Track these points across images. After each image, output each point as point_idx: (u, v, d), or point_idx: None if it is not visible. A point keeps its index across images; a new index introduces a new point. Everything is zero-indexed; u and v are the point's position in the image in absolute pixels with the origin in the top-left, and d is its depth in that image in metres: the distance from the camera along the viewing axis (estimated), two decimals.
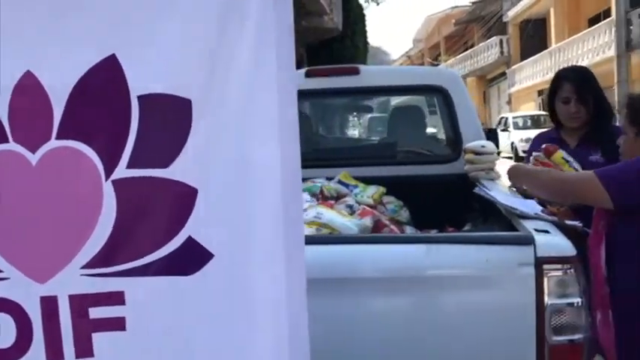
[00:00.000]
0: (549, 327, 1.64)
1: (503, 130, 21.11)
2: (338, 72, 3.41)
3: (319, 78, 3.38)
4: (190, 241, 0.95)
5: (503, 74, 28.08)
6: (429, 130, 4.27)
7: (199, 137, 0.93)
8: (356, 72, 3.34)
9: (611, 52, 16.61)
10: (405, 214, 3.20)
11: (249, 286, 0.93)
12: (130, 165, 0.98)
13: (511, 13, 26.84)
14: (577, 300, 1.64)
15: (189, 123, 0.94)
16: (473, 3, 30.29)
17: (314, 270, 1.70)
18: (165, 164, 0.96)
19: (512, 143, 19.83)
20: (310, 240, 1.94)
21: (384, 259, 1.72)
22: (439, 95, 3.39)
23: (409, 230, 3.04)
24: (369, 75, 3.36)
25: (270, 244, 0.94)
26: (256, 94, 0.92)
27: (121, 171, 0.98)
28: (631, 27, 16.29)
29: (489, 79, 31.22)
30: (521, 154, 18.44)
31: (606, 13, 18.41)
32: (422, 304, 1.73)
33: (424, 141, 3.82)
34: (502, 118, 22.71)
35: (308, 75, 3.36)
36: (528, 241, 1.65)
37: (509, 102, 28.06)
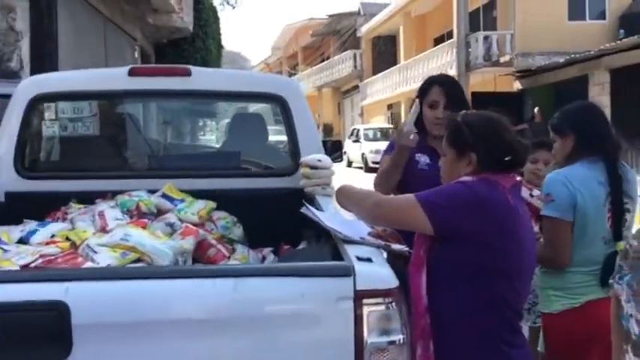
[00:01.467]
0: None
1: (354, 142, 21.84)
2: (166, 72, 3.08)
3: (145, 77, 3.03)
4: None
5: (357, 87, 29.11)
6: (271, 140, 4.07)
7: None
8: (187, 73, 3.03)
9: (453, 71, 17.79)
10: (237, 231, 2.96)
11: None
12: None
13: (364, 29, 27.94)
14: (399, 337, 1.50)
15: None
16: (329, 16, 31.08)
17: (86, 313, 1.40)
18: None
19: (362, 154, 20.53)
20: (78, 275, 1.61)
21: (183, 297, 1.45)
22: (277, 104, 3.19)
23: (240, 249, 2.80)
24: (201, 78, 3.06)
25: None
26: None
27: None
28: (470, 49, 17.62)
29: (344, 91, 32.22)
30: (370, 164, 19.16)
31: (450, 35, 19.74)
32: (230, 345, 1.48)
33: (263, 152, 3.60)
34: (354, 129, 23.49)
35: (132, 73, 2.99)
36: (347, 272, 1.47)
37: (361, 114, 29.13)
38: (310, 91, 33.09)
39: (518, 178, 1.89)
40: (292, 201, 2.99)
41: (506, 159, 1.82)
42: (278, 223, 2.95)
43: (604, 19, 17.97)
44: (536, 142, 3.00)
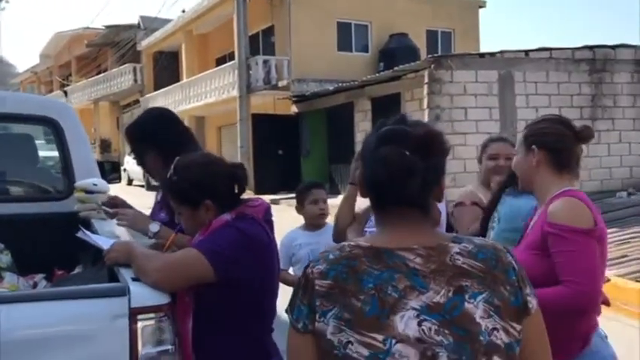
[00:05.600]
0: None
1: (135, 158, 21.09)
2: None
3: None
4: None
5: (138, 102, 28.23)
6: (43, 163, 3.92)
7: None
8: None
9: (235, 92, 18.35)
10: (5, 259, 2.87)
11: None
12: None
13: (145, 43, 27.28)
14: (169, 347, 1.69)
15: None
16: (106, 27, 29.71)
17: None
18: None
19: (144, 172, 19.92)
20: None
21: None
22: (49, 127, 3.15)
23: (9, 277, 2.73)
24: None
25: None
26: None
27: None
28: (251, 71, 18.34)
29: (123, 106, 30.96)
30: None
31: (231, 56, 20.29)
32: None
33: (33, 175, 3.49)
34: None
35: None
36: (122, 292, 1.63)
37: None
38: (85, 104, 31.17)
39: (266, 201, 2.09)
40: (66, 225, 2.98)
41: (236, 190, 1.97)
42: (51, 249, 2.92)
43: (367, 52, 20.13)
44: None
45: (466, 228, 2.76)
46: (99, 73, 31.95)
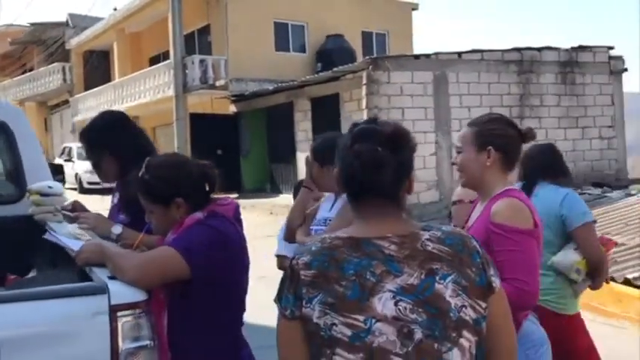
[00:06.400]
0: None
1: (67, 161, 20.44)
2: None
3: None
4: None
5: (67, 102, 27.27)
6: None
7: None
8: None
9: (171, 92, 18.04)
10: None
11: None
12: None
13: (74, 42, 26.39)
14: (148, 342, 1.74)
15: None
16: (32, 24, 28.49)
17: None
18: None
19: (76, 174, 19.37)
20: None
21: None
22: None
23: None
24: None
25: None
26: None
27: None
28: (187, 71, 18.09)
29: (51, 106, 29.83)
30: (86, 185, 18.19)
31: (166, 55, 19.93)
32: None
33: None
34: (66, 147, 21.97)
35: None
36: (102, 290, 1.67)
37: (73, 131, 27.34)
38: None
39: (235, 201, 2.15)
40: (17, 230, 2.94)
41: (207, 188, 2.04)
42: (2, 253, 2.87)
43: (304, 52, 20.27)
44: None
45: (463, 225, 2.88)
46: (24, 72, 30.62)
